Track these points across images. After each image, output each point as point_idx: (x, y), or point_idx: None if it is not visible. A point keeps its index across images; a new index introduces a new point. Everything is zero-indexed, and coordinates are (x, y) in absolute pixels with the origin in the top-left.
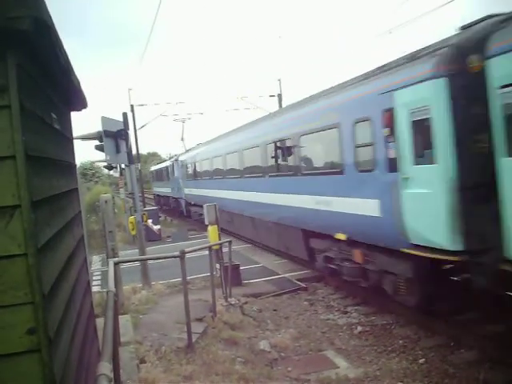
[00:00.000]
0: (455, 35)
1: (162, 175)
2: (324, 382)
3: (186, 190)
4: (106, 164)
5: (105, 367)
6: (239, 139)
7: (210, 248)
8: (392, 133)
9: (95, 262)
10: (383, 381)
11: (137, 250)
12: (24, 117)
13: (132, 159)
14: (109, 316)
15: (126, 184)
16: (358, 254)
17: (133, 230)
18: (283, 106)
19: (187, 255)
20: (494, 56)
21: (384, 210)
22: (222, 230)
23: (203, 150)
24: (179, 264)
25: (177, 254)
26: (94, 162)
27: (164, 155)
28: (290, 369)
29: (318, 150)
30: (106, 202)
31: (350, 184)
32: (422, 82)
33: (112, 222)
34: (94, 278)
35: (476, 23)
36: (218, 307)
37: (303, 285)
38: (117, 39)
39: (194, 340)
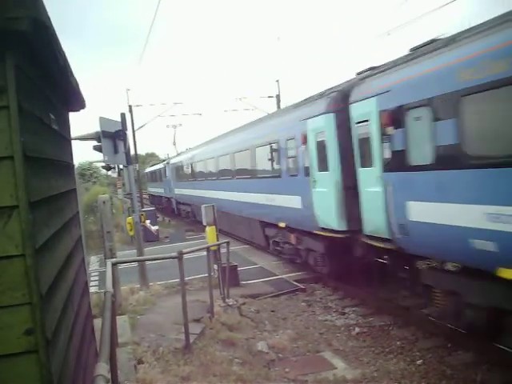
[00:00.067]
0: (342, 83)
1: (155, 177)
2: (321, 383)
3: (176, 191)
4: (104, 164)
5: (102, 368)
6: (215, 147)
7: (207, 249)
8: (306, 149)
9: (93, 262)
10: (381, 382)
11: (135, 251)
12: (22, 117)
13: (130, 160)
14: (106, 317)
15: (123, 184)
16: (292, 238)
17: (131, 230)
18: (281, 106)
19: (185, 256)
20: (352, 103)
21: (303, 204)
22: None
23: (189, 155)
24: (177, 265)
25: (175, 254)
26: (92, 163)
27: (162, 156)
28: (287, 370)
29: (266, 159)
30: (104, 202)
31: (285, 185)
32: (320, 115)
33: (110, 223)
34: (92, 278)
35: (365, 71)
36: (216, 308)
37: (301, 286)
38: (116, 40)
39: (191, 341)
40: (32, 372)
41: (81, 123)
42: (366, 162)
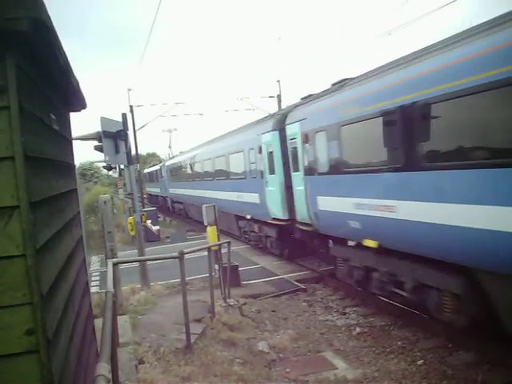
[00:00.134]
0: (285, 108)
1: (152, 177)
2: (322, 383)
3: (171, 190)
4: (105, 164)
5: (103, 368)
6: (201, 152)
7: (208, 249)
8: (261, 157)
9: (94, 262)
10: (382, 382)
11: (136, 251)
12: (23, 118)
13: (131, 160)
14: (107, 317)
15: (124, 184)
16: (256, 227)
17: (132, 230)
18: (282, 106)
19: (186, 256)
20: (287, 124)
21: (260, 199)
22: (193, 220)
23: (181, 158)
24: (178, 265)
25: (176, 254)
26: (93, 163)
27: (163, 156)
28: (288, 370)
29: (236, 164)
30: (105, 202)
31: (248, 185)
32: (269, 132)
33: (111, 223)
34: (93, 278)
35: (305, 97)
36: (217, 308)
37: (302, 286)
38: (117, 40)
39: (192, 341)
40: (33, 372)
41: (82, 123)
42: (295, 168)
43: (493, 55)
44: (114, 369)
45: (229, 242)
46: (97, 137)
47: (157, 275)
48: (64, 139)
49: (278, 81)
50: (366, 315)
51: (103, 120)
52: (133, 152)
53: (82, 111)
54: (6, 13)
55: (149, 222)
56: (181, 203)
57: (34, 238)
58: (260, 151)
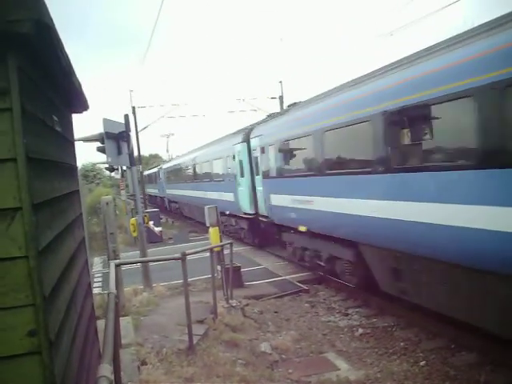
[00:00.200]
0: (253, 123)
1: (151, 179)
2: None
3: (167, 191)
4: (107, 166)
5: (105, 369)
6: (192, 157)
7: (211, 250)
8: (235, 163)
9: (96, 263)
10: (384, 383)
11: (138, 252)
12: (25, 119)
13: (133, 161)
14: (110, 318)
15: (127, 186)
16: (233, 221)
17: (134, 231)
18: (284, 107)
19: (188, 257)
20: (251, 138)
21: (234, 198)
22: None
23: (175, 162)
24: (180, 266)
25: (178, 255)
26: (95, 164)
27: (165, 157)
28: (290, 371)
29: (217, 169)
30: (107, 203)
31: (226, 186)
32: (239, 143)
33: (113, 224)
34: (95, 279)
35: (269, 115)
36: (219, 309)
37: (304, 287)
38: (118, 40)
39: (194, 342)
40: (35, 373)
41: (84, 125)
42: (257, 172)
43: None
44: (117, 370)
45: (231, 243)
46: (99, 138)
47: (159, 276)
48: (66, 141)
49: (280, 82)
50: (368, 316)
51: (105, 121)
52: (135, 153)
53: (85, 113)
54: (8, 14)
55: (151, 223)
56: (176, 203)
57: (37, 240)
58: (234, 158)
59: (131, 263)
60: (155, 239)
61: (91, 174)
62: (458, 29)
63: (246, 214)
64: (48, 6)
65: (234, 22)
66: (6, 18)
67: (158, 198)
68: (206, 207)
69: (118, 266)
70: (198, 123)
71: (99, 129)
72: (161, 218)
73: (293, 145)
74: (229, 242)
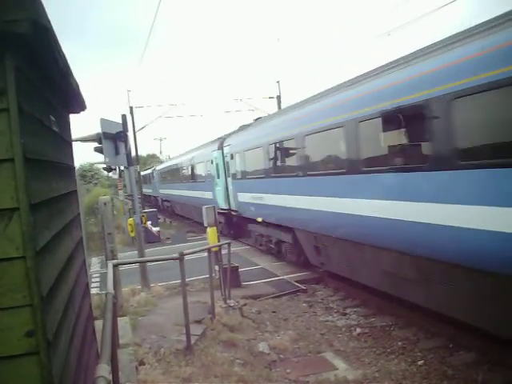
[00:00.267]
0: (226, 134)
1: (146, 180)
2: (323, 383)
3: (160, 191)
4: (105, 166)
5: (103, 369)
6: (180, 160)
7: (209, 250)
8: (212, 167)
9: (94, 264)
10: (382, 382)
11: (136, 252)
12: (22, 119)
13: (131, 161)
14: (107, 318)
15: (124, 186)
16: (223, 219)
17: (132, 231)
18: (282, 107)
19: (186, 257)
20: (224, 146)
21: (213, 196)
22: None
23: (166, 164)
24: (178, 266)
25: (176, 255)
26: (93, 164)
27: (162, 157)
28: (288, 371)
29: (200, 171)
30: (105, 204)
31: (206, 186)
32: (215, 150)
33: (111, 224)
34: (93, 280)
35: (241, 126)
36: (217, 309)
37: (302, 287)
38: (116, 40)
39: (192, 342)
40: (33, 374)
41: (82, 125)
42: (228, 174)
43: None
44: (115, 370)
45: (229, 243)
46: (97, 138)
47: (157, 276)
48: (64, 141)
49: (278, 82)
50: (366, 316)
51: (103, 121)
52: (133, 153)
53: (82, 113)
54: (5, 15)
55: (149, 223)
56: (168, 201)
57: (34, 240)
58: (212, 163)
59: (129, 263)
60: (153, 239)
61: (89, 174)
62: (457, 28)
63: (222, 209)
64: (47, 6)
65: (231, 21)
66: (4, 18)
67: (152, 198)
68: (204, 207)
69: (115, 266)
70: (196, 123)
71: (97, 129)
72: (158, 218)
73: (250, 153)
74: (227, 242)
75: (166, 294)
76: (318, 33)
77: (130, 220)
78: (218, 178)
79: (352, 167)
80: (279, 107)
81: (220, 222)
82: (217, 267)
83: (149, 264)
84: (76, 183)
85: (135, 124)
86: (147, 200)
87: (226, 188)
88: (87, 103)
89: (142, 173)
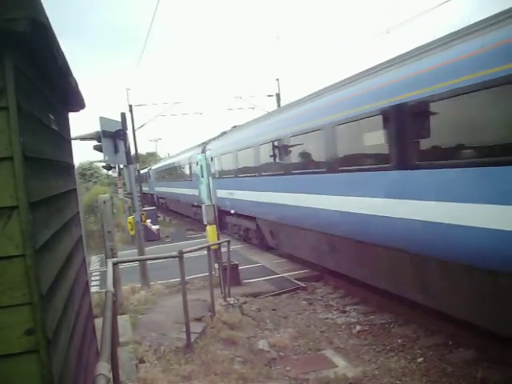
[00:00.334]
0: (210, 138)
1: (143, 178)
2: (323, 381)
3: (156, 188)
4: (104, 164)
5: (103, 367)
6: (171, 161)
7: (208, 248)
8: (198, 168)
9: (94, 262)
10: (382, 380)
11: (135, 250)
12: (21, 118)
13: (130, 159)
14: (107, 316)
15: (124, 184)
16: (198, 210)
17: (131, 230)
18: (281, 105)
19: (186, 255)
20: (206, 150)
21: (198, 193)
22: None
23: (160, 164)
24: (178, 264)
25: (175, 254)
26: (92, 162)
27: (162, 155)
28: (288, 368)
29: (188, 171)
30: (104, 202)
31: (193, 184)
32: (199, 153)
33: (111, 223)
34: (93, 278)
35: (225, 131)
36: (217, 307)
37: (302, 284)
38: (116, 40)
39: (192, 340)
40: (33, 372)
41: (81, 123)
42: (209, 174)
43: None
44: (115, 368)
45: (228, 241)
46: (96, 136)
47: (157, 274)
48: (63, 139)
49: (277, 79)
50: (366, 313)
51: (102, 120)
52: (132, 152)
53: (81, 111)
54: (4, 13)
55: (148, 221)
56: (163, 198)
57: (34, 238)
58: (197, 164)
59: (129, 261)
60: (153, 237)
61: (88, 172)
62: (456, 26)
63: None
64: (46, 6)
65: (231, 20)
66: (2, 16)
67: (148, 195)
68: (204, 205)
69: (115, 264)
70: (196, 121)
71: (96, 127)
72: (158, 217)
73: (225, 157)
74: (226, 240)
75: (165, 292)
76: (317, 31)
77: (130, 218)
78: (202, 177)
79: (285, 171)
80: (278, 105)
81: None
82: (216, 265)
83: (148, 262)
84: (75, 181)
85: (135, 122)
86: (144, 197)
87: (208, 186)
88: (87, 102)
89: (141, 171)
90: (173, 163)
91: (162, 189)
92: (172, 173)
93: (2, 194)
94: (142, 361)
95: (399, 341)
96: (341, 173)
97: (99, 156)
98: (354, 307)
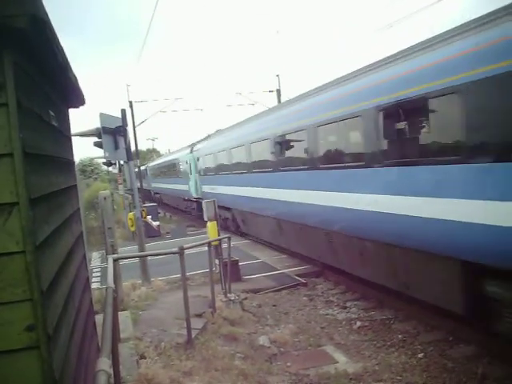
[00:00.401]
0: (198, 140)
1: (140, 174)
2: (323, 376)
3: (152, 184)
4: (104, 160)
5: (104, 363)
6: (166, 159)
7: (209, 244)
8: (187, 166)
9: (94, 258)
10: (382, 375)
11: (136, 247)
12: (21, 114)
13: (131, 156)
14: (108, 312)
15: (124, 180)
16: (189, 203)
17: (132, 226)
18: (282, 101)
19: (186, 251)
20: (193, 151)
21: (188, 188)
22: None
23: (156, 162)
24: (178, 260)
25: (176, 250)
26: (93, 159)
27: (163, 151)
28: (289, 364)
29: (179, 168)
30: (104, 198)
31: (184, 180)
32: (188, 154)
33: (111, 219)
34: (94, 274)
35: (211, 133)
36: (218, 303)
37: (303, 280)
38: (116, 36)
39: (193, 336)
40: (33, 368)
41: (81, 119)
42: (197, 172)
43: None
44: (115, 364)
45: (229, 237)
46: (96, 133)
47: (157, 271)
48: (63, 135)
49: (278, 75)
50: (366, 309)
51: (102, 116)
52: (132, 148)
53: (81, 107)
54: (4, 10)
55: (149, 217)
56: (159, 194)
57: (34, 235)
58: (187, 163)
59: (129, 258)
60: (153, 234)
61: (89, 168)
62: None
63: (194, 198)
64: (47, 2)
65: (230, 14)
66: (2, 13)
67: (145, 191)
68: (204, 201)
69: (116, 260)
70: (197, 117)
71: (96, 124)
72: (159, 213)
73: (207, 157)
74: (227, 235)
75: (166, 288)
76: (318, 25)
77: (130, 214)
78: (191, 174)
79: (248, 170)
80: (279, 101)
81: (193, 208)
82: (217, 261)
83: (149, 258)
84: (76, 178)
85: (135, 118)
86: (142, 193)
87: (196, 182)
88: (87, 98)
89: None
90: (166, 162)
91: (157, 185)
92: (166, 170)
93: (2, 190)
94: (142, 357)
95: (399, 336)
96: (281, 172)
97: (99, 152)
98: (355, 303)
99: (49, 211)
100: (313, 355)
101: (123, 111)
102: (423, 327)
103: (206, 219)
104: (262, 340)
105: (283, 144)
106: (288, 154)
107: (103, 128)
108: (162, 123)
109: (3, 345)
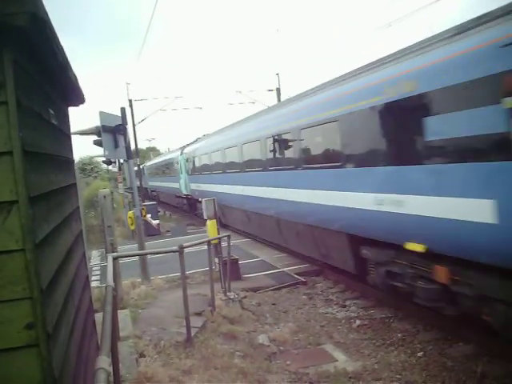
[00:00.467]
0: (189, 143)
1: (140, 173)
2: (322, 375)
3: (149, 183)
4: (104, 159)
5: (103, 361)
6: (160, 159)
7: (208, 242)
8: (179, 166)
9: (94, 257)
10: (381, 374)
11: (136, 245)
12: (21, 113)
13: (130, 154)
14: (108, 310)
15: (124, 179)
16: (181, 199)
17: (132, 224)
18: (282, 99)
19: (186, 250)
20: (184, 153)
21: (179, 185)
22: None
23: (152, 161)
24: (178, 259)
25: (175, 248)
26: (92, 157)
27: (162, 150)
28: (288, 362)
29: (171, 168)
30: (104, 197)
31: (176, 179)
32: (179, 155)
33: (111, 217)
34: (93, 273)
35: (199, 137)
36: (217, 301)
37: (302, 279)
38: (116, 36)
39: (193, 334)
40: (33, 366)
41: (81, 118)
42: (186, 171)
43: None
44: (115, 362)
45: (229, 236)
46: (96, 131)
47: (157, 269)
48: (63, 134)
49: (277, 74)
50: (366, 308)
51: (102, 114)
52: (132, 146)
53: (81, 106)
54: (4, 8)
55: (149, 216)
56: (154, 191)
57: (33, 233)
58: (178, 163)
59: (129, 256)
60: (153, 232)
61: (88, 167)
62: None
63: (185, 195)
64: (48, 2)
65: (230, 12)
66: (2, 11)
67: (142, 189)
68: (204, 200)
69: (115, 259)
70: (197, 115)
71: (96, 122)
72: (158, 211)
73: (195, 159)
74: (226, 234)
75: (166, 286)
76: (318, 23)
77: (130, 213)
78: (181, 173)
79: (223, 170)
80: (279, 99)
81: (184, 204)
82: (217, 260)
83: (149, 257)
84: (75, 176)
85: (135, 117)
86: (141, 191)
87: (185, 180)
88: (86, 97)
89: (136, 168)
90: (161, 162)
91: (153, 183)
92: (160, 170)
93: (2, 189)
94: (142, 355)
95: (399, 335)
96: (245, 172)
97: (99, 151)
98: (354, 302)
99: (48, 209)
100: (312, 354)
101: (123, 109)
102: (422, 326)
103: (205, 217)
104: (262, 338)
105: (243, 150)
106: (246, 158)
107: (103, 126)
108: (162, 122)
109: (3, 343)
